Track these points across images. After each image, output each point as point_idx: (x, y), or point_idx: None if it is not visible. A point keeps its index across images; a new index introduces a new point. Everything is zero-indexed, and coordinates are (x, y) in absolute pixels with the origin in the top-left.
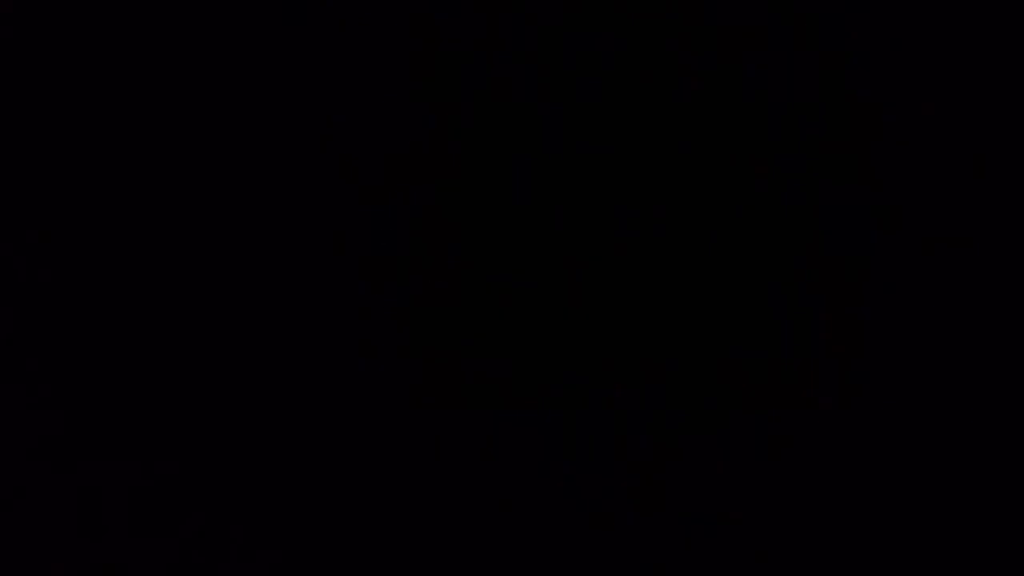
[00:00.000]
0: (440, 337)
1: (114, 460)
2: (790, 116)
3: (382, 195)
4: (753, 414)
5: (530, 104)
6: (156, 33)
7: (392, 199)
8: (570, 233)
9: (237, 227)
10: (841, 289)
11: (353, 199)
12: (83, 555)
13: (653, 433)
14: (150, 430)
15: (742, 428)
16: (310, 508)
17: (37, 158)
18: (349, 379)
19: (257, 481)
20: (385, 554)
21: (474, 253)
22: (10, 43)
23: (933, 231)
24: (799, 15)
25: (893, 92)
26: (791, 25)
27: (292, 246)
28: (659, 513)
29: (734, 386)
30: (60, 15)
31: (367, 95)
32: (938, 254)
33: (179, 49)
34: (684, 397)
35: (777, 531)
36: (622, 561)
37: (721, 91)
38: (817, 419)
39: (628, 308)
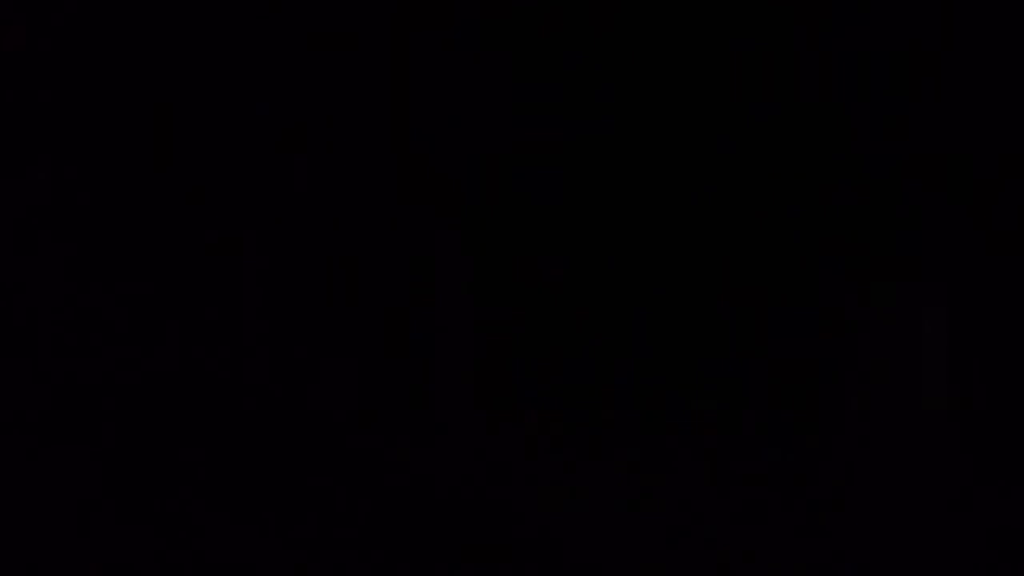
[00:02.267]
0: (441, 337)
1: (114, 460)
2: (790, 116)
3: (383, 194)
4: (754, 414)
5: (530, 104)
6: (156, 33)
7: (393, 199)
8: (570, 234)
9: (236, 227)
10: (842, 289)
11: (354, 198)
12: (83, 555)
13: (653, 433)
14: (149, 430)
15: (742, 428)
16: (310, 508)
17: (37, 158)
18: (349, 379)
19: (257, 481)
20: (385, 554)
21: (473, 253)
22: (10, 43)
23: (934, 230)
24: (799, 15)
25: (893, 92)
26: (791, 25)
27: (291, 246)
28: (660, 513)
29: (734, 386)
30: (60, 15)
31: (368, 95)
32: (940, 254)
33: (179, 49)
34: (684, 397)
35: (777, 531)
36: (622, 561)
37: (721, 91)
38: (822, 419)
39: (628, 308)
